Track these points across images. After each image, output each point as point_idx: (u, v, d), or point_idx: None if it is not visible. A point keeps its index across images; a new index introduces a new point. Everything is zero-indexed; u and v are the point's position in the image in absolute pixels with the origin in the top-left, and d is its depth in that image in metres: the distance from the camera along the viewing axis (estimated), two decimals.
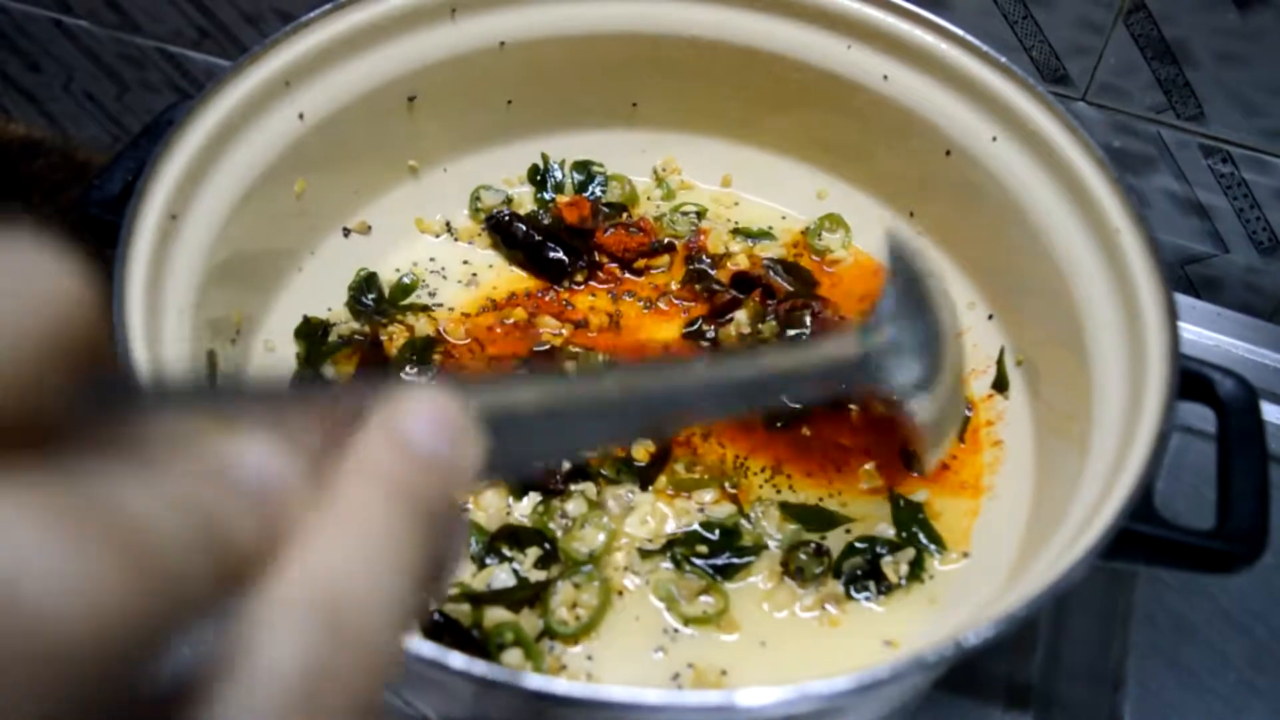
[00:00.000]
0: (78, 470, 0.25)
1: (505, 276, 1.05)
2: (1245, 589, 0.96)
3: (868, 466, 0.92)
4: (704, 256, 1.07)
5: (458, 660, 0.56)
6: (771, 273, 1.05)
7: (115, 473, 0.26)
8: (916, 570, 0.85)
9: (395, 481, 0.31)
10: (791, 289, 1.04)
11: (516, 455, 0.39)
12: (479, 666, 0.56)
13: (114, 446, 0.27)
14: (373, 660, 0.28)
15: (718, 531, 0.86)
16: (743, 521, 0.87)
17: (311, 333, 0.97)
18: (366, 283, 1.02)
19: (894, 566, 0.85)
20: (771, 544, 0.87)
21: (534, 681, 0.57)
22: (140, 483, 0.26)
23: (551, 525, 0.86)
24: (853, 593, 0.84)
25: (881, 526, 0.89)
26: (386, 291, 1.03)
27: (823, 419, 0.95)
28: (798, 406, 0.94)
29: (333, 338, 0.98)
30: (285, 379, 0.36)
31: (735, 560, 0.85)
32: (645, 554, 0.85)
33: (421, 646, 0.56)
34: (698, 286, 1.04)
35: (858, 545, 0.86)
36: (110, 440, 0.27)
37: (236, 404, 0.31)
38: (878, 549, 0.86)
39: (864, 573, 0.85)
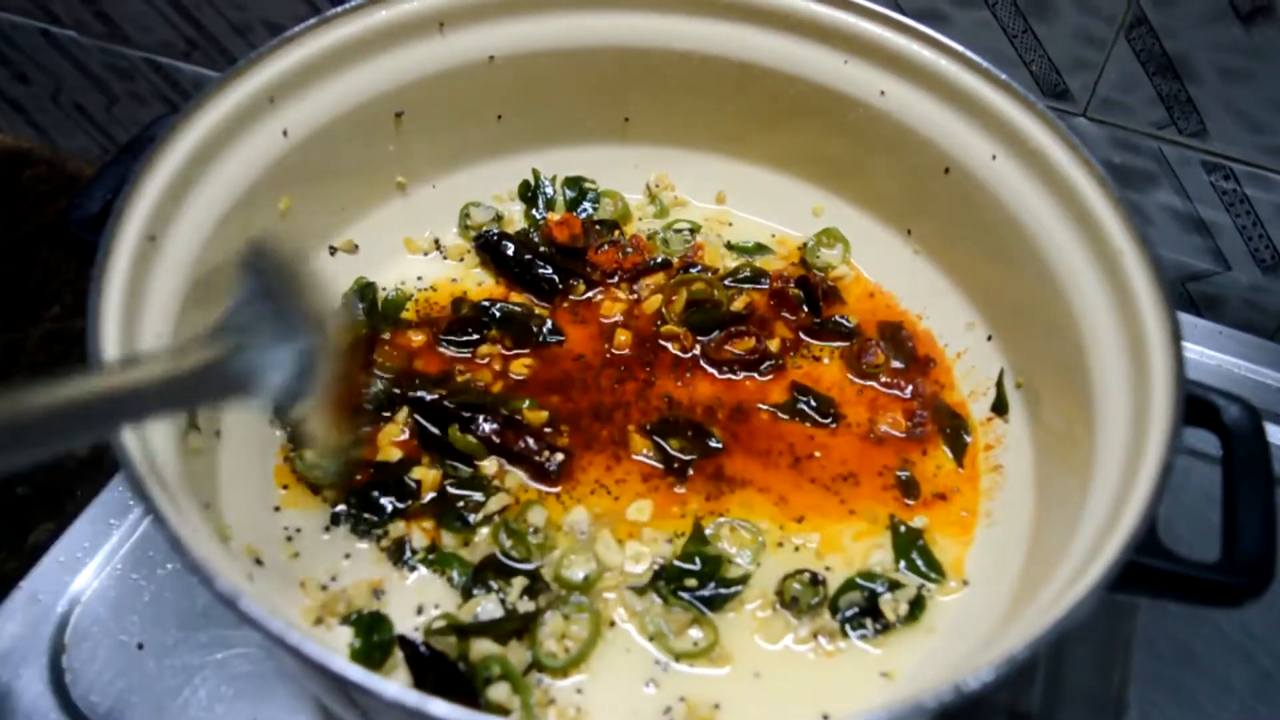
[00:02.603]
0: None
1: (494, 295, 1.04)
2: (1249, 616, 0.94)
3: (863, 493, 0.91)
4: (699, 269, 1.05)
5: (439, 708, 0.54)
6: (791, 284, 1.03)
7: None
8: (916, 611, 0.83)
9: None
10: (806, 307, 1.03)
11: None
12: (460, 715, 0.54)
13: None
14: None
15: (698, 560, 0.85)
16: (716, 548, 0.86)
17: None
18: (361, 292, 1.01)
19: (893, 606, 0.83)
20: (741, 561, 0.85)
21: None
22: None
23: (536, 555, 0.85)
24: (848, 630, 0.82)
25: (879, 555, 0.87)
26: (379, 305, 1.01)
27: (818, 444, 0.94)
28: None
29: None
30: None
31: (722, 591, 0.83)
32: (635, 590, 0.83)
33: (403, 694, 0.54)
34: (697, 313, 1.02)
35: (858, 581, 0.84)
36: None
37: None
38: (877, 587, 0.84)
39: (861, 610, 0.83)
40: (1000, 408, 0.94)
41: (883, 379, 0.98)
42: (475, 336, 0.99)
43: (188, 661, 0.89)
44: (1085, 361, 0.82)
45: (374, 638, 0.79)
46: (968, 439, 0.94)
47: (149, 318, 0.76)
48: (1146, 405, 0.74)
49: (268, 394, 0.71)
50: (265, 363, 0.69)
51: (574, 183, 1.11)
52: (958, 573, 0.86)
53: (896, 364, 0.99)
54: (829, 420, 0.95)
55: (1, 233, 1.69)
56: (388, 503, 0.87)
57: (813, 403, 0.96)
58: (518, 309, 1.01)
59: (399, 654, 0.78)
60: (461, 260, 1.06)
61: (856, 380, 0.99)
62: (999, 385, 0.94)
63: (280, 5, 1.40)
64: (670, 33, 1.02)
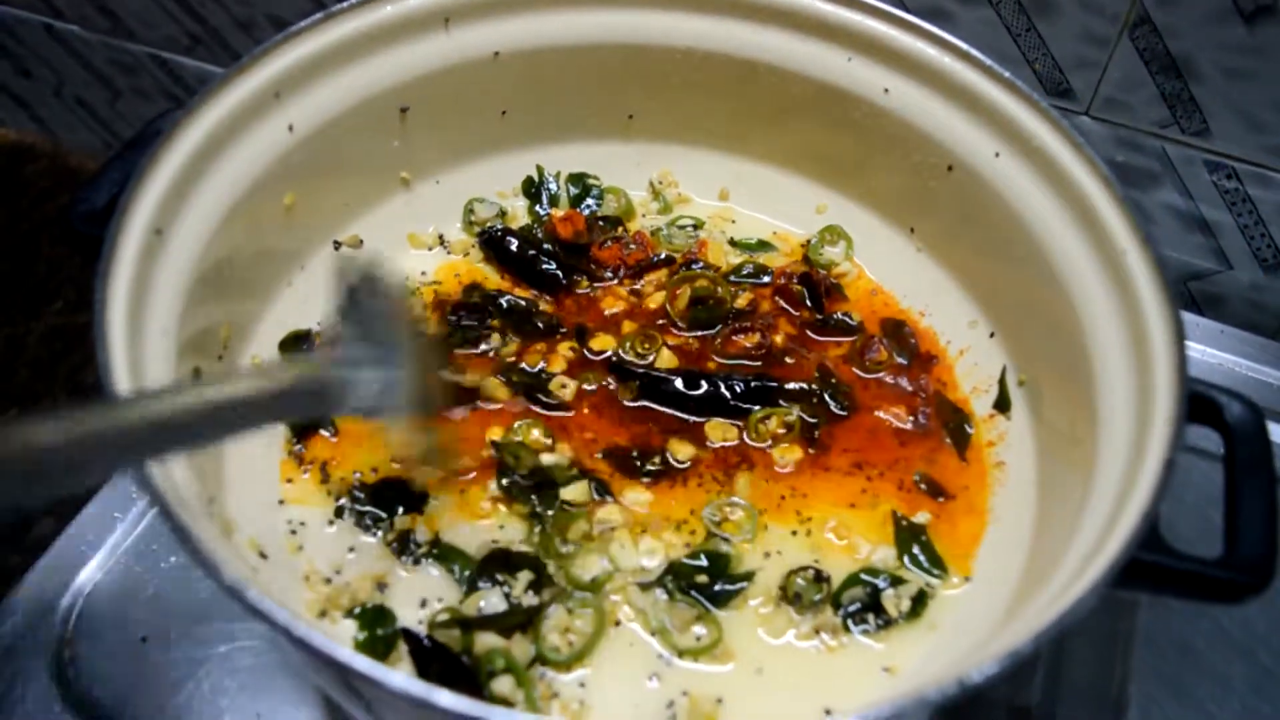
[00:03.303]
0: None
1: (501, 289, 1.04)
2: (1249, 613, 0.94)
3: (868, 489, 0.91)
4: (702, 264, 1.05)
5: (445, 699, 0.54)
6: (794, 280, 1.03)
7: None
8: (918, 607, 0.83)
9: None
10: (810, 304, 1.03)
11: None
12: (466, 705, 0.54)
13: None
14: None
15: (704, 557, 0.85)
16: (722, 545, 0.86)
17: (295, 345, 0.95)
18: None
19: (895, 601, 0.83)
20: (748, 562, 0.86)
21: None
22: None
23: (546, 552, 0.85)
24: (851, 626, 0.82)
25: (882, 551, 0.87)
26: None
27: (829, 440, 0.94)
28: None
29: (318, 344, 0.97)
30: None
31: (728, 587, 0.83)
32: (641, 586, 0.83)
33: (410, 685, 0.55)
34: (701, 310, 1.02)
35: (860, 577, 0.84)
36: None
37: None
38: (879, 583, 0.84)
39: (864, 605, 0.83)
40: (1003, 405, 0.94)
41: (885, 376, 0.99)
42: (475, 323, 0.99)
43: (191, 655, 0.89)
44: (1088, 359, 0.82)
45: (378, 631, 0.79)
46: (970, 435, 0.94)
47: (154, 311, 0.76)
48: (1149, 402, 0.74)
49: (353, 411, 0.76)
50: (356, 381, 0.74)
51: (577, 179, 1.11)
52: (960, 569, 0.86)
53: (899, 360, 0.99)
54: (844, 412, 0.95)
55: (3, 227, 1.69)
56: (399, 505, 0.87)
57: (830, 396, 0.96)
58: (524, 303, 1.01)
59: (403, 647, 0.79)
60: (465, 256, 1.06)
61: (860, 376, 0.99)
62: (1001, 382, 0.95)
63: (285, 0, 1.40)
64: (674, 30, 1.02)
